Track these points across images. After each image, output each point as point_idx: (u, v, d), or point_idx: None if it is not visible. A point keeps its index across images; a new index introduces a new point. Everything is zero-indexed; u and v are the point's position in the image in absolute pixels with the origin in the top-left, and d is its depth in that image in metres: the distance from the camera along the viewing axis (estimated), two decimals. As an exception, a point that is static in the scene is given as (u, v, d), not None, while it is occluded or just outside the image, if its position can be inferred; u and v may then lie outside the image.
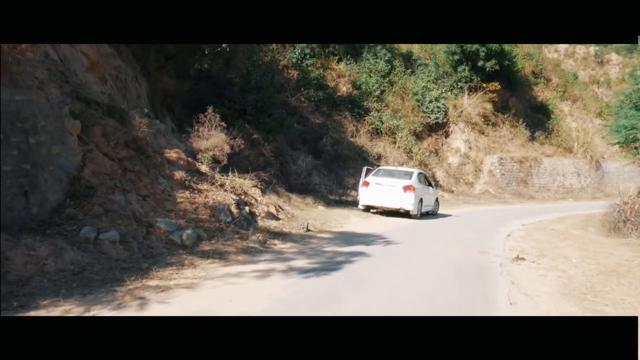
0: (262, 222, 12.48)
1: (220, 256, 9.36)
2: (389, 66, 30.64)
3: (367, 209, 18.29)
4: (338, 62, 30.32)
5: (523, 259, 11.42)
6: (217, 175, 12.40)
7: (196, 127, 13.67)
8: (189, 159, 12.29)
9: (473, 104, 31.13)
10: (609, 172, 35.78)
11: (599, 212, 21.74)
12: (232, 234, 10.74)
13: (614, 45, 60.29)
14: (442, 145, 30.95)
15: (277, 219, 13.31)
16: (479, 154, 31.22)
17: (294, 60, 27.98)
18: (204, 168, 12.69)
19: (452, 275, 9.19)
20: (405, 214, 17.66)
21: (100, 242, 8.48)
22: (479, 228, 16.57)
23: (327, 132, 24.94)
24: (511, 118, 32.91)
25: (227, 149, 13.60)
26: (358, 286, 7.90)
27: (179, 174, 11.25)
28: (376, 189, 17.56)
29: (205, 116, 13.81)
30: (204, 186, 11.68)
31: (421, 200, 17.88)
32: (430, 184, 19.60)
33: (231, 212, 11.50)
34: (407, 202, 17.25)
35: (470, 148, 31.27)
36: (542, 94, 37.54)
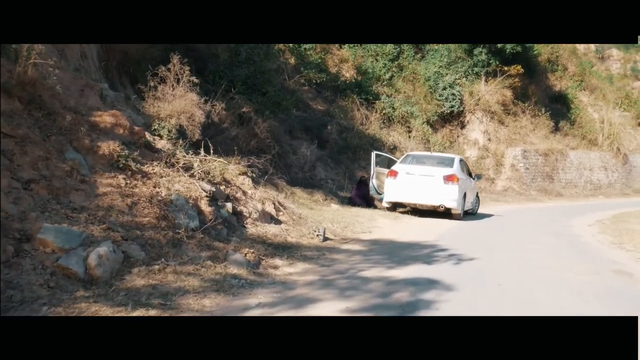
0: (253, 228, 7.30)
1: (164, 301, 4.22)
2: (398, 48, 25.54)
3: (394, 206, 13.13)
4: (340, 46, 25.22)
5: (693, 283, 6.36)
6: (180, 153, 7.24)
7: (152, 84, 8.47)
8: (136, 127, 7.13)
9: (491, 91, 25.96)
10: (637, 166, 30.75)
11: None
12: (198, 250, 5.58)
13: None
14: (458, 137, 25.79)
15: (278, 221, 8.16)
16: (499, 147, 26.02)
17: (290, 45, 22.86)
18: (161, 143, 7.56)
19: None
20: (444, 213, 12.55)
21: None
22: (550, 231, 11.48)
23: (332, 119, 19.81)
24: (532, 107, 27.77)
25: (199, 116, 8.37)
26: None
27: (109, 146, 6.09)
28: (407, 180, 12.38)
29: (169, 70, 8.64)
30: (154, 168, 6.52)
31: (464, 195, 12.76)
32: (471, 175, 14.49)
33: (200, 212, 6.36)
34: (450, 197, 12.10)
35: (489, 140, 26.07)
36: (560, 82, 32.44)
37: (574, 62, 35.22)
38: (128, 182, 5.95)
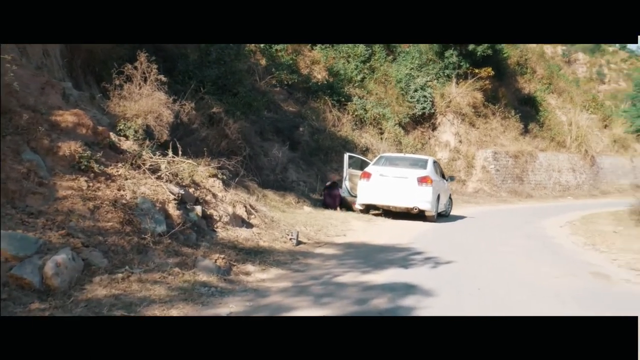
0: (223, 232, 7.03)
1: (127, 312, 3.92)
2: (369, 50, 25.43)
3: (367, 209, 12.95)
4: (312, 47, 24.95)
5: (669, 285, 6.31)
6: (147, 154, 6.92)
7: (118, 82, 8.12)
8: (100, 127, 6.78)
9: (462, 93, 26.05)
10: (604, 168, 31.27)
11: (624, 209, 17.85)
12: (165, 257, 5.28)
13: (581, 45, 56.87)
14: (430, 138, 25.79)
15: (250, 225, 7.89)
16: (470, 148, 26.13)
17: (261, 45, 22.50)
18: (127, 144, 7.22)
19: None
20: (418, 216, 12.41)
21: None
22: (523, 232, 11.45)
23: (304, 120, 19.56)
24: (502, 109, 27.97)
25: (167, 116, 8.06)
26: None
27: (70, 147, 5.75)
28: (380, 182, 12.21)
29: (136, 68, 8.31)
30: (118, 170, 6.20)
31: (438, 197, 12.64)
32: (444, 177, 14.40)
33: (167, 215, 6.06)
34: (423, 199, 11.98)
35: (460, 142, 26.15)
36: (529, 85, 32.77)
37: (542, 65, 35.64)
38: (90, 184, 5.62)
